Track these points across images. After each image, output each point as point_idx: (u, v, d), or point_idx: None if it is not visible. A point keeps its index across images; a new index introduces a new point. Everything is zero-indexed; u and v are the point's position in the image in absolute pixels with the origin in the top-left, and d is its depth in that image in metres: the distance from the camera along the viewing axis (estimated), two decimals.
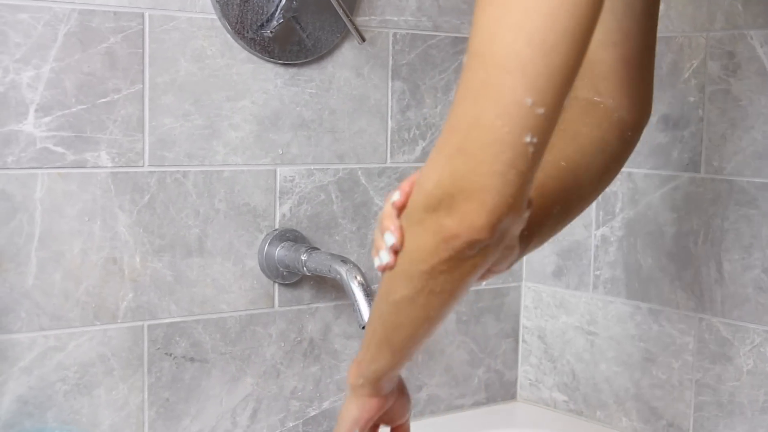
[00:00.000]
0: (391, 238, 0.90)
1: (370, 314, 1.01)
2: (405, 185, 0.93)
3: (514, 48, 0.78)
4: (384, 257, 0.91)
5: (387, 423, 1.14)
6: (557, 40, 0.78)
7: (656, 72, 1.54)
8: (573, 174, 1.08)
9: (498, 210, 0.81)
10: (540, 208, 1.00)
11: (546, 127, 0.80)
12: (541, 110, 0.78)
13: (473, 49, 0.80)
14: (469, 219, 0.82)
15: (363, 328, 1.33)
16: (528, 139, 0.79)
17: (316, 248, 1.45)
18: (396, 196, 0.92)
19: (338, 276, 1.37)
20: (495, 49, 0.79)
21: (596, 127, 1.12)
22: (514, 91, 0.78)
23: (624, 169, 1.59)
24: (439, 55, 1.61)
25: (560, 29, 0.78)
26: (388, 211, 0.93)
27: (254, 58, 1.43)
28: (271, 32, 1.43)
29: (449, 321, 1.67)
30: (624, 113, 1.15)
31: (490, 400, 1.74)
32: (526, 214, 0.86)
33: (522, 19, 0.77)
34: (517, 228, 0.86)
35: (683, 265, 1.53)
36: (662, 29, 1.53)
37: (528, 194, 0.84)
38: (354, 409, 1.08)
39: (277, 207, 1.48)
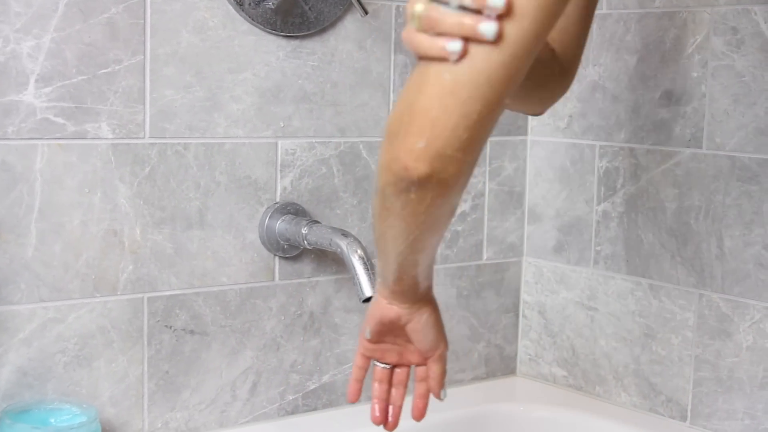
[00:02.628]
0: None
1: None
2: None
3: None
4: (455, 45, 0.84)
5: (416, 358, 1.15)
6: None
7: (660, 47, 1.54)
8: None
9: (434, 138, 0.84)
10: None
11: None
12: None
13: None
14: (407, 143, 0.85)
15: (363, 301, 1.33)
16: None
17: (316, 222, 1.45)
18: None
19: (339, 249, 1.37)
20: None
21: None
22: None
23: (625, 144, 1.59)
24: None
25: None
26: None
27: (256, 30, 1.42)
28: (273, 4, 1.42)
29: (450, 296, 1.67)
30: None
31: (489, 374, 1.75)
32: (468, 167, 0.88)
33: None
34: (462, 167, 0.87)
35: (684, 241, 1.52)
36: (666, 4, 1.52)
37: (475, 154, 0.87)
38: (374, 307, 1.10)
39: (278, 180, 1.47)
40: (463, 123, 0.83)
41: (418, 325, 1.11)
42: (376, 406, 1.16)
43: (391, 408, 1.17)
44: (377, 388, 1.16)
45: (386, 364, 1.16)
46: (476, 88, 0.83)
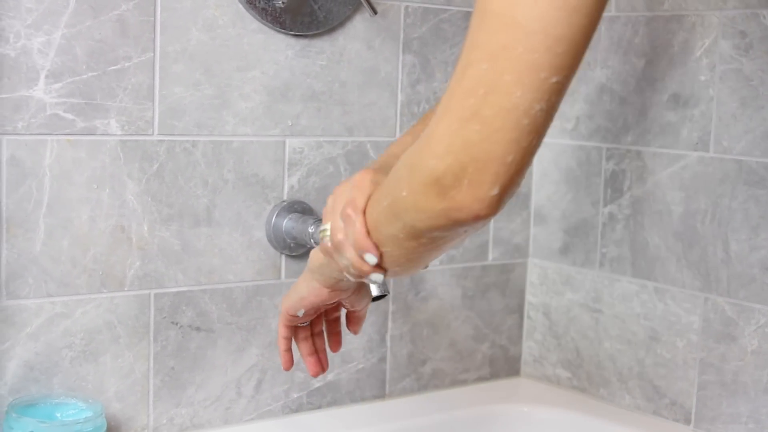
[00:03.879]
0: (373, 259, 0.91)
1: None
2: (361, 189, 0.95)
3: (539, 9, 0.75)
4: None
5: (342, 307, 1.16)
6: (579, 1, 0.76)
7: (668, 50, 1.54)
8: None
9: (509, 183, 0.80)
10: None
11: (559, 94, 0.79)
12: (556, 78, 0.77)
13: (490, 8, 0.77)
14: (480, 189, 0.80)
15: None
16: (539, 106, 0.77)
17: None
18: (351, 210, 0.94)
19: None
20: (517, 10, 0.76)
21: None
22: (534, 56, 0.76)
23: (632, 147, 1.59)
24: (451, 29, 1.61)
25: None
26: (360, 231, 0.92)
27: (265, 28, 1.43)
28: (282, 3, 1.42)
29: (455, 296, 1.67)
30: None
31: (493, 375, 1.75)
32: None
33: None
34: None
35: (690, 245, 1.53)
36: (675, 7, 1.52)
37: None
38: (304, 288, 1.09)
39: (286, 178, 1.48)
40: (529, 159, 0.81)
41: (356, 298, 1.12)
42: (311, 360, 1.17)
43: (319, 355, 1.19)
44: (305, 346, 1.17)
45: (305, 322, 1.16)
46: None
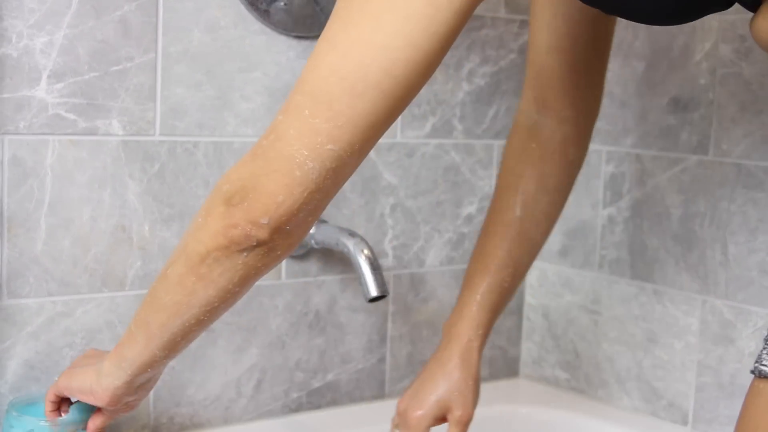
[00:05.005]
0: None
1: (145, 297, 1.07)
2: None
3: (327, 84, 0.88)
4: None
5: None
6: (366, 89, 0.87)
7: (668, 54, 1.54)
8: (525, 235, 1.29)
9: (278, 219, 0.91)
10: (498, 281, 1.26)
11: (336, 160, 0.90)
12: (331, 146, 0.89)
13: (303, 72, 0.91)
14: (253, 213, 0.91)
15: (369, 301, 1.34)
16: (312, 164, 0.89)
17: (324, 221, 1.46)
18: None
19: (345, 249, 1.38)
20: (312, 80, 0.89)
21: (538, 161, 1.28)
22: (316, 121, 0.88)
23: (632, 151, 1.59)
24: None
25: (371, 81, 0.87)
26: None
27: (267, 30, 1.43)
28: (285, 4, 1.43)
29: (454, 297, 1.68)
30: (568, 128, 1.24)
31: (492, 376, 1.75)
32: (306, 232, 0.96)
33: (339, 62, 0.87)
34: (294, 240, 0.95)
35: (689, 247, 1.53)
36: None
37: (316, 214, 0.94)
38: (86, 380, 1.13)
39: None
40: (302, 208, 0.93)
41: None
42: None
43: None
44: None
45: None
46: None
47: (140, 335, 1.04)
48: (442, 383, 1.23)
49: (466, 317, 1.25)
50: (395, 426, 1.29)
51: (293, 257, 1.49)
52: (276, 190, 0.90)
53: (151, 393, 1.39)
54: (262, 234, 0.92)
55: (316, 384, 1.55)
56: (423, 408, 1.22)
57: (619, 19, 1.59)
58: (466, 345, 1.23)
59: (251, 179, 0.91)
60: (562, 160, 1.28)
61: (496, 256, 1.27)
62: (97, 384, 1.09)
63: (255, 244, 0.92)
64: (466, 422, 1.24)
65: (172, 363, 1.40)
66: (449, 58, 1.61)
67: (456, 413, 1.23)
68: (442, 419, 1.26)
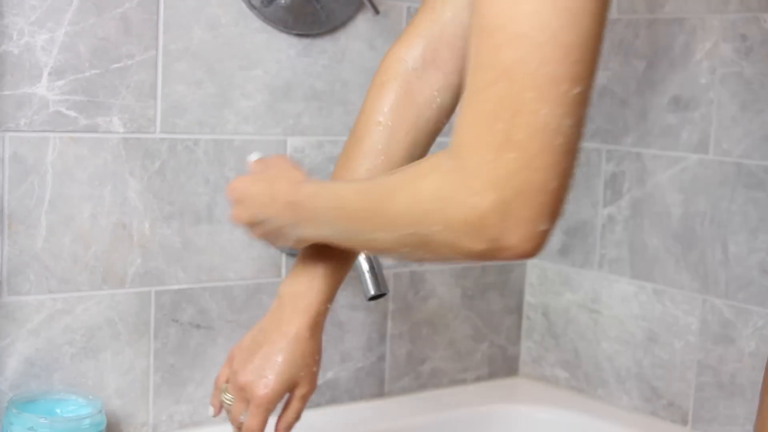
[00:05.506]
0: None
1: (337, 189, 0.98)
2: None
3: (541, 18, 0.70)
4: None
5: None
6: (582, 3, 0.70)
7: (668, 53, 1.54)
8: None
9: (554, 214, 0.73)
10: None
11: (584, 106, 0.73)
12: (577, 89, 0.71)
13: (489, 23, 0.72)
14: (527, 230, 0.73)
15: (369, 299, 1.35)
16: (568, 122, 0.71)
17: None
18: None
19: None
20: (519, 21, 0.70)
21: (414, 120, 1.12)
22: (550, 68, 0.70)
23: (632, 149, 1.59)
24: None
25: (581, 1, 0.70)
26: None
27: (268, 27, 1.43)
28: (285, 2, 1.43)
29: (454, 296, 1.68)
30: (448, 96, 1.11)
31: (492, 375, 1.75)
32: None
33: None
34: None
35: (689, 246, 1.53)
36: (676, 10, 1.53)
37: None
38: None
39: None
40: (570, 185, 0.74)
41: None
42: None
43: None
44: None
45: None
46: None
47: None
48: (292, 359, 1.09)
49: (316, 289, 1.09)
50: (224, 391, 1.13)
51: (293, 254, 1.49)
52: (547, 178, 0.71)
53: (151, 391, 1.39)
54: (539, 246, 0.74)
55: None
56: (271, 386, 1.08)
57: (620, 18, 1.59)
58: (315, 319, 1.09)
59: (509, 182, 0.72)
60: (435, 130, 1.12)
61: None
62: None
63: (530, 255, 0.75)
64: (309, 397, 1.13)
65: (171, 361, 1.40)
66: None
67: (303, 389, 1.11)
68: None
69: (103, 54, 1.30)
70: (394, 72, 1.11)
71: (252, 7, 1.41)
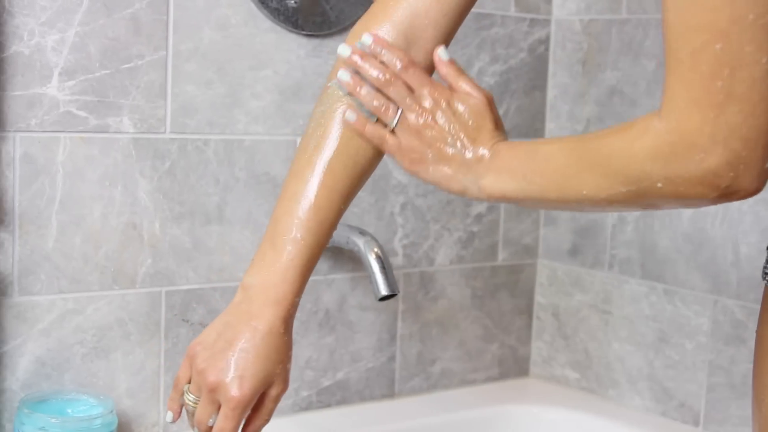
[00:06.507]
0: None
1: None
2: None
3: None
4: None
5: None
6: None
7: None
8: None
9: None
10: None
11: None
12: None
13: (682, 12, 0.78)
14: (755, 171, 0.79)
15: (380, 299, 1.34)
16: None
17: None
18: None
19: (356, 248, 1.38)
20: None
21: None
22: (764, 18, 0.75)
23: None
24: (461, 30, 1.60)
25: None
26: None
27: (278, 28, 1.43)
28: (295, 3, 1.43)
29: (464, 296, 1.68)
30: None
31: (502, 375, 1.75)
32: None
33: None
34: None
35: (700, 247, 1.53)
36: None
37: None
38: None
39: None
40: None
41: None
42: None
43: None
44: None
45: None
46: None
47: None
48: (267, 356, 1.01)
49: (290, 280, 1.02)
50: (186, 392, 1.05)
51: None
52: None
53: (161, 391, 1.39)
54: (764, 180, 0.81)
55: (326, 382, 1.55)
56: (247, 386, 1.00)
57: (630, 18, 1.59)
58: (289, 312, 1.02)
59: (735, 133, 0.78)
60: None
61: (330, 216, 1.05)
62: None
63: (758, 191, 0.81)
64: (281, 397, 1.05)
65: (181, 361, 1.40)
66: (459, 56, 1.61)
67: (277, 388, 1.03)
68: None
69: (113, 54, 1.31)
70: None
71: (261, 7, 1.41)
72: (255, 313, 1.02)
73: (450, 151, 0.99)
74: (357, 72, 1.01)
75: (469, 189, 0.98)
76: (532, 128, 1.72)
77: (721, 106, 0.77)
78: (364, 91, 1.01)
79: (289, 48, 1.45)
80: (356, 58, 1.01)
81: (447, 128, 0.99)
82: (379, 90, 1.00)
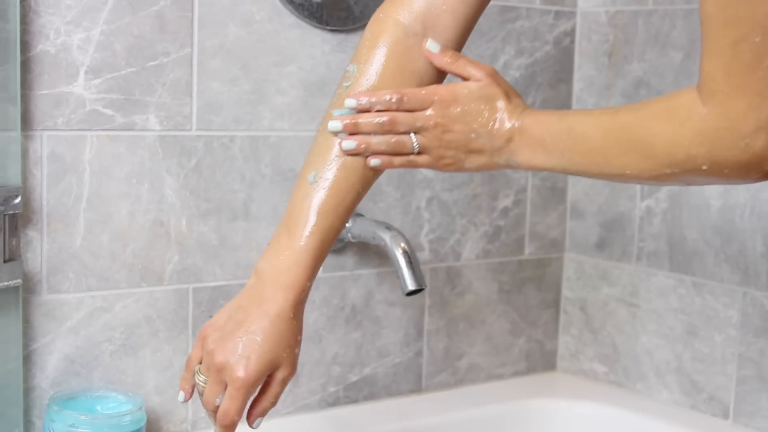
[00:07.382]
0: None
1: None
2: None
3: None
4: None
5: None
6: None
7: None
8: None
9: None
10: None
11: None
12: None
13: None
14: None
15: (407, 294, 1.34)
16: None
17: (360, 215, 1.45)
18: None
19: (382, 243, 1.37)
20: None
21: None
22: None
23: None
24: (486, 23, 1.60)
25: None
26: None
27: (302, 23, 1.43)
28: None
29: (491, 290, 1.67)
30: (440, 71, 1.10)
31: (530, 369, 1.75)
32: None
33: None
34: None
35: (728, 239, 1.52)
36: None
37: None
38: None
39: None
40: None
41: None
42: None
43: None
44: None
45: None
46: None
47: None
48: (275, 340, 1.02)
49: (302, 264, 1.03)
50: (197, 372, 1.07)
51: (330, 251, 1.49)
52: None
53: None
54: None
55: (353, 378, 1.55)
56: (252, 368, 1.01)
57: (657, 9, 1.58)
58: (300, 296, 1.03)
59: None
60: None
61: (347, 200, 1.06)
62: None
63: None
64: (288, 381, 1.06)
65: None
66: (484, 49, 1.60)
67: (284, 372, 1.04)
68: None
69: (138, 52, 1.31)
70: (390, 36, 1.07)
71: (286, 2, 1.41)
72: (266, 297, 1.03)
73: (477, 143, 1.04)
74: (357, 131, 1.04)
75: (510, 165, 1.04)
76: None
77: (762, 94, 0.83)
78: (375, 141, 1.04)
79: (314, 43, 1.45)
80: (351, 124, 1.04)
81: (464, 127, 1.03)
82: (387, 132, 1.04)
